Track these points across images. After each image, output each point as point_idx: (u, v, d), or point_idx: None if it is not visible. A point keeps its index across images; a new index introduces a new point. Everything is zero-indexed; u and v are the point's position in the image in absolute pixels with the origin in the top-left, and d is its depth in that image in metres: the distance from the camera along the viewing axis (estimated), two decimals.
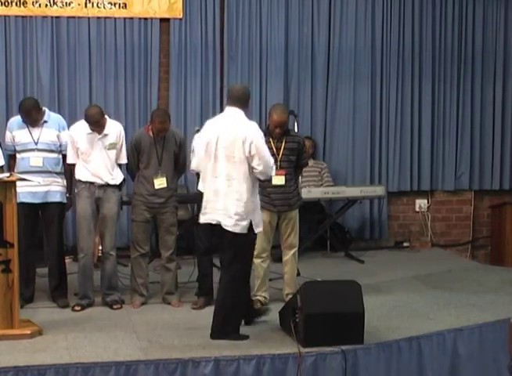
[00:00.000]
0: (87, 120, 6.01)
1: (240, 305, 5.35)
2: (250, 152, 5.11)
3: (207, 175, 5.28)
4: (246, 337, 5.27)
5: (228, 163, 5.15)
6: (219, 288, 5.41)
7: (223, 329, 5.25)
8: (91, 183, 6.06)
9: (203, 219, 5.32)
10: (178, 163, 6.31)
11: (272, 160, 5.27)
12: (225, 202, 5.15)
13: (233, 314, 5.30)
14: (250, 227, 5.19)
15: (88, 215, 6.06)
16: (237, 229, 5.15)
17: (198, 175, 6.09)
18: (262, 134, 5.29)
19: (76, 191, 6.13)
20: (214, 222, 5.23)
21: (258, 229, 5.29)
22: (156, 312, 5.99)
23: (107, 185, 6.09)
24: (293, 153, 6.11)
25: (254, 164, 5.12)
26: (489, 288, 6.82)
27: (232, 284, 5.26)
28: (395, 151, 8.72)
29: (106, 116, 6.19)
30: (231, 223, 5.14)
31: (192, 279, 6.42)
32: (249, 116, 8.13)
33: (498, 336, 5.38)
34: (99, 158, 6.07)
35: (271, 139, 6.04)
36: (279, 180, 6.03)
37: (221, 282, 5.36)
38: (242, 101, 5.30)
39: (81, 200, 6.08)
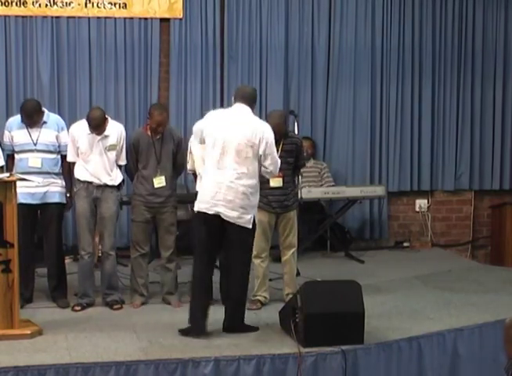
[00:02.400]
0: (89, 122, 5.99)
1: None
2: (264, 151, 5.23)
3: (210, 167, 5.30)
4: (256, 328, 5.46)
5: (239, 158, 5.20)
6: (232, 284, 5.44)
7: (240, 323, 5.42)
8: (90, 183, 6.05)
9: (201, 208, 5.30)
10: (176, 162, 6.29)
11: (279, 162, 5.42)
12: (229, 195, 5.19)
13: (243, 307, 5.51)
14: (254, 221, 5.31)
15: (87, 213, 6.06)
16: (241, 222, 5.22)
17: (195, 175, 6.11)
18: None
19: (75, 190, 6.12)
20: (211, 212, 5.25)
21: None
22: (156, 312, 5.98)
23: (105, 185, 6.08)
24: (291, 155, 6.11)
25: (266, 163, 5.27)
26: (489, 288, 6.82)
27: (244, 278, 5.38)
28: (395, 151, 8.72)
29: (108, 117, 6.18)
30: (235, 215, 5.20)
31: None
32: None
33: (498, 336, 5.35)
34: (98, 159, 6.05)
35: None
36: (276, 182, 6.04)
37: (233, 278, 5.41)
38: (250, 100, 5.41)
39: (79, 199, 6.08)
